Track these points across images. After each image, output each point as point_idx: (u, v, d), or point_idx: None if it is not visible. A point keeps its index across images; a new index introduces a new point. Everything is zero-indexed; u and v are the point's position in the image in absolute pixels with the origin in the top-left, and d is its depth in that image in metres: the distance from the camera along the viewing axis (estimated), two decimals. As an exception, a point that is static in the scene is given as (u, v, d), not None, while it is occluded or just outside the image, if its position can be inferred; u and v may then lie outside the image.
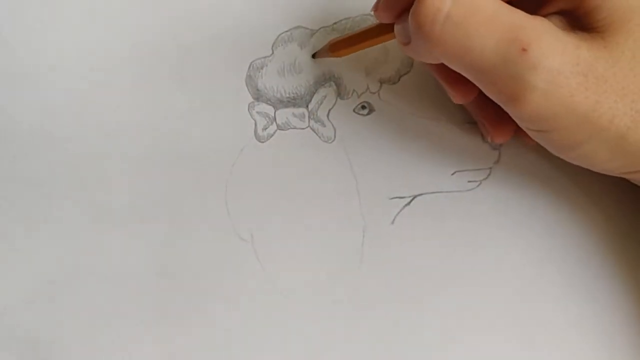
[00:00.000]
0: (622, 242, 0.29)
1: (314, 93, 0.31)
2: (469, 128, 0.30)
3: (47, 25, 0.31)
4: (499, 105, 0.24)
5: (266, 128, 0.31)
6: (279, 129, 0.31)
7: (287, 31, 0.31)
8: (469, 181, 0.30)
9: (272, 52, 0.31)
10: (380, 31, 0.27)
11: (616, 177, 0.27)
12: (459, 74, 0.24)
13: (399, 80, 0.31)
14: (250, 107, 0.31)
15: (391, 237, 0.30)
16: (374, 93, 0.31)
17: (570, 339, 0.29)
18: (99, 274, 0.29)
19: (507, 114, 0.24)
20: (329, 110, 0.31)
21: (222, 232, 0.30)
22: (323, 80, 0.31)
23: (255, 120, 0.31)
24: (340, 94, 0.31)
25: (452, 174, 0.30)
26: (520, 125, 0.25)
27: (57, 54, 0.30)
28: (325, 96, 0.31)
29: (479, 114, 0.29)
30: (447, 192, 0.30)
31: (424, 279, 0.29)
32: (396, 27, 0.25)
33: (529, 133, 0.25)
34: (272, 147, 0.30)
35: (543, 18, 0.23)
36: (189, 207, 0.30)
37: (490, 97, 0.24)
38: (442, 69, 0.25)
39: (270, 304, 0.29)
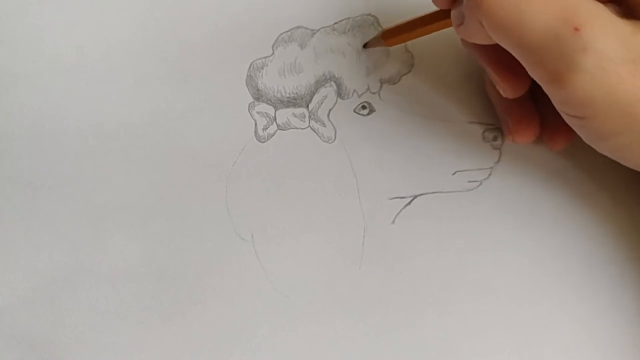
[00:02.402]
0: (624, 242, 0.29)
1: (314, 93, 0.31)
2: (470, 128, 0.30)
3: (47, 25, 0.31)
4: (525, 105, 0.24)
5: (266, 128, 0.31)
6: (279, 129, 0.31)
7: (287, 31, 0.31)
8: (470, 181, 0.30)
9: (273, 52, 0.31)
10: (435, 18, 0.27)
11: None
12: (510, 64, 0.24)
13: (399, 80, 0.31)
14: (251, 107, 0.31)
15: (391, 237, 0.29)
16: (374, 93, 0.31)
17: (572, 339, 0.29)
18: (99, 274, 0.29)
19: (532, 115, 0.24)
20: (330, 110, 0.31)
21: (222, 232, 0.30)
22: (323, 80, 0.31)
23: (255, 120, 0.31)
24: (340, 94, 0.31)
25: (453, 174, 0.30)
26: (558, 108, 0.24)
27: (57, 54, 0.30)
28: (325, 96, 0.31)
29: (505, 112, 0.29)
30: (447, 192, 0.30)
31: (424, 278, 0.29)
32: (453, 12, 0.25)
33: (565, 118, 0.24)
34: (273, 147, 0.30)
35: (598, 2, 0.22)
36: (189, 207, 0.30)
37: (533, 75, 0.23)
38: (494, 57, 0.25)
39: (270, 304, 0.29)
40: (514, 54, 0.23)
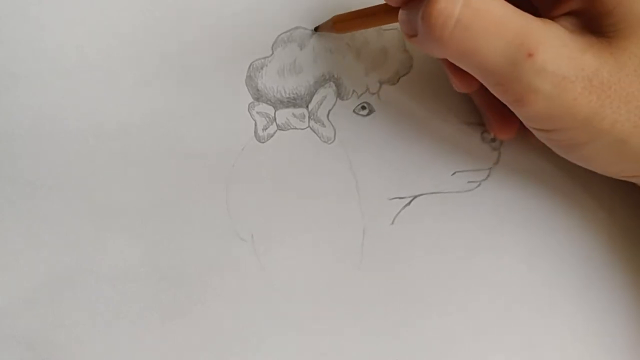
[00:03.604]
0: (624, 243, 0.29)
1: (314, 93, 0.31)
2: (469, 128, 0.30)
3: (47, 25, 0.31)
4: (503, 103, 0.24)
5: (266, 128, 0.31)
6: (279, 129, 0.31)
7: (286, 31, 0.31)
8: (469, 182, 0.30)
9: (272, 53, 0.31)
10: (386, 12, 0.27)
11: (614, 180, 0.27)
12: (501, 109, 0.25)
13: (398, 80, 0.31)
14: (250, 107, 0.31)
15: (391, 238, 0.30)
16: (373, 94, 0.31)
17: (570, 339, 0.29)
18: (99, 274, 0.29)
19: (511, 112, 0.25)
20: (329, 111, 0.31)
21: (222, 232, 0.30)
22: (323, 80, 0.31)
23: (255, 121, 0.31)
24: (340, 94, 0.31)
25: (452, 175, 0.30)
26: (526, 124, 0.25)
27: (57, 54, 0.30)
28: (325, 96, 0.31)
29: (485, 109, 0.29)
30: (446, 192, 0.30)
31: (423, 279, 0.29)
32: (401, 16, 0.25)
33: (534, 132, 0.25)
34: (272, 148, 0.30)
35: (551, 21, 0.23)
36: (189, 207, 0.30)
37: (497, 96, 0.24)
38: (486, 104, 0.26)
39: (270, 304, 0.29)
40: (475, 77, 0.24)
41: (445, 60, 0.27)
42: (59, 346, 0.29)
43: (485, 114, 0.29)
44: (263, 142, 0.30)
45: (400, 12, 0.25)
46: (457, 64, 0.24)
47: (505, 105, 0.25)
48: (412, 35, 0.25)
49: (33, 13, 0.30)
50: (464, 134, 0.30)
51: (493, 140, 0.30)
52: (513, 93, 0.23)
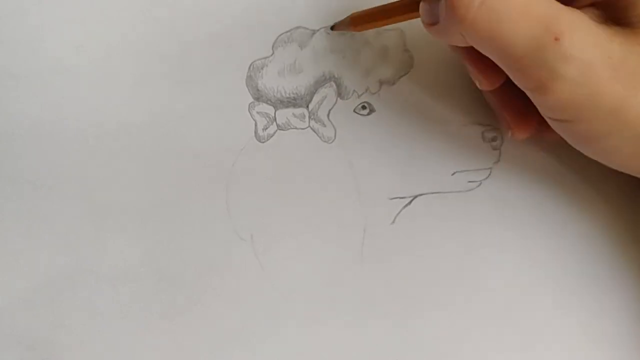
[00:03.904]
0: (626, 242, 0.29)
1: (314, 93, 0.31)
2: (469, 128, 0.30)
3: (47, 25, 0.31)
4: (522, 100, 0.24)
5: (266, 128, 0.31)
6: (279, 129, 0.31)
7: (287, 31, 0.31)
8: (469, 181, 0.30)
9: (272, 53, 0.31)
10: (405, 9, 0.27)
11: (619, 177, 0.27)
12: (487, 59, 0.24)
13: (398, 80, 0.31)
14: (251, 107, 0.31)
15: (391, 237, 0.30)
16: (374, 93, 0.31)
17: (572, 339, 0.29)
18: (99, 274, 0.29)
19: (529, 109, 0.24)
20: (329, 111, 0.31)
21: (222, 232, 0.30)
22: (323, 80, 0.31)
23: (255, 120, 0.31)
24: (340, 94, 0.31)
25: (453, 174, 0.30)
26: (543, 114, 0.25)
27: (56, 54, 0.30)
28: (325, 96, 0.31)
29: (502, 107, 0.29)
30: (447, 192, 0.30)
31: (424, 278, 0.29)
32: (422, 6, 0.25)
33: (552, 123, 0.25)
34: (273, 147, 0.30)
35: (578, 10, 0.23)
36: (189, 207, 0.30)
37: (518, 83, 0.24)
38: (471, 53, 0.25)
39: (270, 304, 0.29)
40: (497, 62, 0.24)
41: (467, 57, 0.26)
42: (59, 346, 0.29)
43: (501, 113, 0.29)
44: (263, 142, 0.30)
45: (422, 3, 0.25)
46: (479, 48, 0.23)
47: (523, 103, 0.24)
48: (434, 23, 0.24)
49: (33, 13, 0.31)
50: (464, 133, 0.30)
51: (494, 139, 0.30)
52: (536, 79, 0.22)
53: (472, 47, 0.24)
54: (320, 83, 0.31)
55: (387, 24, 0.28)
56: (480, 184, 0.30)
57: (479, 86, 0.27)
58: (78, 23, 0.31)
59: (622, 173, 0.26)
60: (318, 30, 0.31)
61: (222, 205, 0.30)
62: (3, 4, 0.30)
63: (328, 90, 0.31)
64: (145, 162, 0.30)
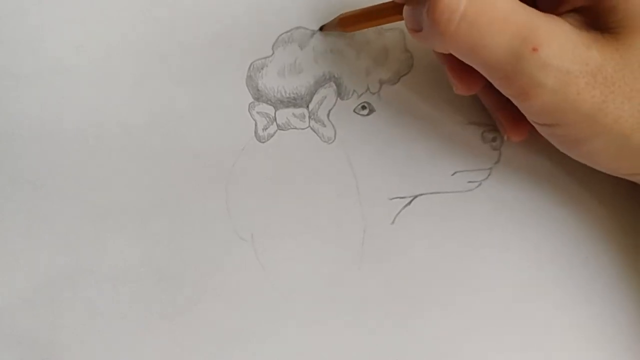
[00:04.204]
0: (624, 243, 0.29)
1: (314, 93, 0.31)
2: (469, 128, 0.30)
3: (47, 25, 0.31)
4: (514, 105, 0.24)
5: (266, 128, 0.31)
6: (279, 129, 0.31)
7: (287, 31, 0.31)
8: (469, 181, 0.30)
9: (273, 53, 0.31)
10: (392, 10, 0.27)
11: (617, 178, 0.27)
12: (465, 65, 0.24)
13: (399, 80, 0.31)
14: (251, 107, 0.31)
15: (391, 237, 0.30)
16: (374, 93, 0.31)
17: (571, 339, 0.29)
18: (99, 274, 0.29)
19: (522, 113, 0.25)
20: (329, 111, 0.31)
21: (222, 232, 0.30)
22: (323, 80, 0.31)
23: (255, 121, 0.31)
24: (340, 94, 0.31)
25: (452, 174, 0.30)
26: (529, 119, 0.25)
27: (57, 54, 0.30)
28: (325, 96, 0.31)
29: (495, 110, 0.29)
30: (447, 192, 0.30)
31: (424, 279, 0.29)
32: (406, 11, 0.26)
33: (537, 127, 0.25)
34: (273, 147, 0.30)
35: (557, 17, 0.23)
36: (189, 207, 0.30)
37: (501, 91, 0.24)
38: (450, 58, 0.26)
39: (270, 304, 0.29)
40: (479, 71, 0.24)
41: (446, 62, 0.27)
42: (59, 346, 0.29)
43: (496, 116, 0.29)
44: (263, 142, 0.30)
45: (405, 7, 0.25)
46: (462, 59, 0.24)
47: (516, 107, 0.25)
48: (417, 30, 0.25)
49: (33, 13, 0.31)
50: (464, 133, 0.30)
51: (494, 140, 0.30)
52: (517, 87, 0.23)
53: (499, 98, 0.25)
54: (320, 83, 0.31)
55: (374, 25, 0.29)
56: (480, 184, 0.30)
57: (455, 91, 0.27)
58: (78, 23, 0.31)
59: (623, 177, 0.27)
60: (318, 30, 0.31)
61: (222, 205, 0.30)
62: (3, 4, 0.30)
63: (328, 91, 0.31)
64: (145, 162, 0.30)
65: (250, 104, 0.31)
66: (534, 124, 0.25)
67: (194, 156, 0.30)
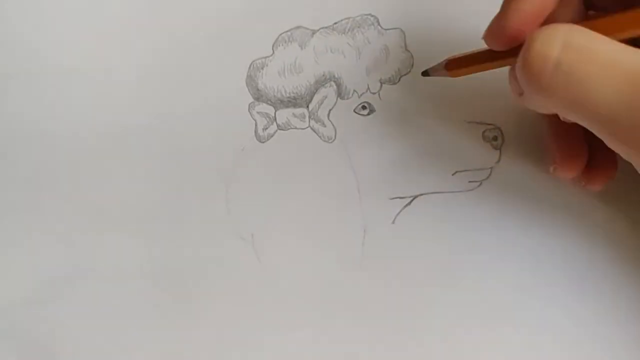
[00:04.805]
0: (626, 243, 0.29)
1: (315, 93, 0.31)
2: (470, 128, 0.30)
3: (47, 25, 0.31)
4: (576, 141, 0.23)
5: (266, 128, 0.31)
6: (280, 129, 0.31)
7: (287, 31, 0.31)
8: (470, 181, 0.30)
9: (273, 52, 0.31)
10: (498, 55, 0.25)
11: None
12: (570, 143, 0.23)
13: (399, 80, 0.31)
14: (251, 107, 0.31)
15: (391, 237, 0.29)
16: (374, 93, 0.31)
17: (573, 339, 0.29)
18: (98, 274, 0.29)
19: (581, 152, 0.23)
20: (330, 111, 0.31)
21: (222, 232, 0.30)
22: (323, 80, 0.31)
23: (255, 120, 0.31)
24: (340, 94, 0.31)
25: (453, 174, 0.30)
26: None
27: (56, 54, 0.30)
28: (325, 96, 0.31)
29: (554, 143, 0.27)
30: (447, 192, 0.30)
31: (424, 279, 0.29)
32: (510, 74, 0.24)
33: None
34: (273, 147, 0.30)
35: None
36: (189, 206, 0.30)
37: (613, 148, 0.21)
38: (556, 134, 0.24)
39: (270, 304, 0.29)
40: (587, 127, 0.21)
41: (553, 137, 0.25)
42: (59, 346, 0.29)
43: (551, 147, 0.28)
44: (263, 142, 0.30)
45: (510, 70, 0.24)
46: (564, 115, 0.22)
47: (578, 144, 0.23)
48: (520, 93, 0.23)
49: (33, 13, 0.31)
50: (465, 133, 0.30)
51: (494, 139, 0.30)
52: (633, 142, 0.20)
53: (559, 127, 0.23)
54: (320, 83, 0.31)
55: (483, 70, 0.26)
56: (480, 184, 0.30)
57: (551, 174, 0.26)
58: (78, 23, 0.31)
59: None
60: (318, 30, 0.31)
61: (222, 205, 0.30)
62: (3, 4, 0.30)
63: (328, 90, 0.31)
64: (145, 162, 0.30)
65: (250, 104, 0.31)
66: None
67: (194, 156, 0.30)
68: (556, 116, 0.24)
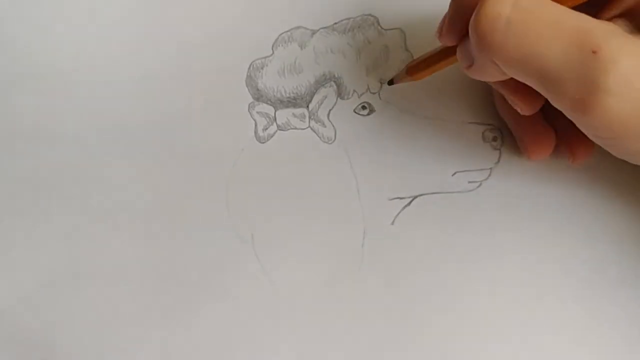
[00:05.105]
0: (626, 242, 0.29)
1: (314, 93, 0.31)
2: (469, 128, 0.30)
3: (47, 25, 0.31)
4: (539, 122, 0.23)
5: (266, 128, 0.31)
6: (279, 129, 0.31)
7: (287, 31, 0.31)
8: (470, 182, 0.30)
9: (273, 52, 0.31)
10: (447, 53, 0.26)
11: (620, 176, 0.27)
12: (535, 127, 0.24)
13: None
14: (251, 107, 0.31)
15: (391, 238, 0.29)
16: (374, 93, 0.31)
17: (574, 340, 0.29)
18: (99, 274, 0.29)
19: (547, 132, 0.24)
20: (329, 111, 0.31)
21: (222, 232, 0.30)
22: (323, 80, 0.31)
23: (255, 121, 0.31)
24: (340, 94, 0.31)
25: (453, 175, 0.30)
26: (587, 133, 0.23)
27: (57, 54, 0.30)
28: (325, 96, 0.31)
29: (518, 129, 0.28)
30: (447, 192, 0.30)
31: (424, 279, 0.29)
32: (458, 50, 0.25)
33: (595, 140, 0.24)
34: (273, 148, 0.30)
35: (607, 21, 0.22)
36: (189, 207, 0.30)
37: (557, 105, 0.23)
38: (509, 82, 0.25)
39: (270, 304, 0.29)
40: (533, 86, 0.23)
41: (506, 86, 0.26)
42: (59, 346, 0.29)
43: (518, 135, 0.29)
44: (263, 142, 0.30)
45: (458, 48, 0.25)
46: (512, 74, 0.23)
47: (539, 125, 0.23)
48: (470, 65, 0.24)
49: (33, 13, 0.31)
50: (464, 133, 0.30)
51: (494, 139, 0.30)
52: (578, 97, 0.21)
53: (521, 117, 0.24)
54: (320, 83, 0.31)
55: (442, 68, 0.27)
56: (480, 184, 0.30)
57: (520, 112, 0.26)
58: (78, 23, 0.31)
59: (624, 172, 0.26)
60: (318, 30, 0.31)
61: (222, 205, 0.30)
62: (3, 4, 0.30)
63: (328, 90, 0.31)
64: (145, 162, 0.30)
65: (250, 104, 0.31)
66: (595, 139, 0.24)
67: (194, 156, 0.30)
68: (516, 112, 0.25)
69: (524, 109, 0.26)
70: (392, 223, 0.30)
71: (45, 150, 0.30)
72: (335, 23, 0.31)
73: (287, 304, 0.29)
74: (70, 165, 0.30)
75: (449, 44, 0.25)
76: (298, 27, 0.31)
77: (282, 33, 0.31)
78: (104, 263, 0.29)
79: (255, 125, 0.30)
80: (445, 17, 0.25)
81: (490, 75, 0.24)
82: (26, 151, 0.30)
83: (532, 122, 0.27)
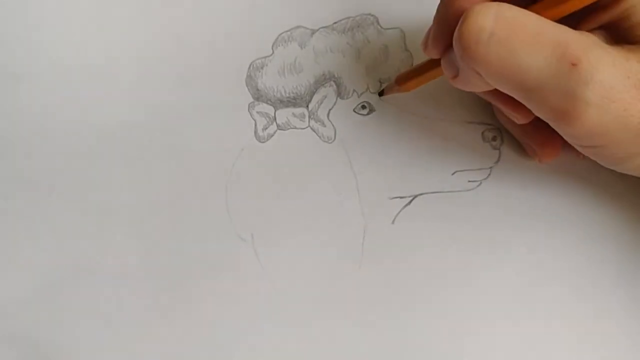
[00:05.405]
0: (624, 241, 0.29)
1: (314, 93, 0.31)
2: (469, 127, 0.30)
3: (47, 25, 0.31)
4: (544, 125, 0.24)
5: (266, 128, 0.31)
6: (279, 129, 0.31)
7: (287, 31, 0.31)
8: (470, 181, 0.30)
9: (272, 52, 0.31)
10: (434, 65, 0.27)
11: (617, 178, 0.27)
12: (540, 132, 0.24)
13: (399, 80, 0.31)
14: (251, 107, 0.31)
15: (391, 237, 0.29)
16: (374, 93, 0.31)
17: (572, 338, 0.29)
18: (99, 274, 0.29)
19: (552, 132, 0.24)
20: (329, 110, 0.31)
21: (222, 232, 0.30)
22: (323, 80, 0.31)
23: (255, 120, 0.31)
24: (340, 93, 0.31)
25: (453, 174, 0.30)
26: (571, 142, 0.24)
27: (56, 54, 0.30)
28: (325, 96, 0.31)
29: (524, 136, 0.29)
30: (447, 192, 0.30)
31: (424, 279, 0.29)
32: (443, 61, 0.25)
33: (579, 149, 0.24)
34: (272, 147, 0.30)
35: (587, 32, 0.23)
36: (189, 207, 0.30)
37: (540, 115, 0.23)
38: (499, 93, 0.25)
39: (270, 304, 0.29)
40: (516, 97, 0.23)
41: (497, 96, 0.26)
42: (59, 346, 0.29)
43: (524, 141, 0.29)
44: (263, 142, 0.30)
45: (442, 59, 0.25)
46: (496, 85, 0.23)
47: (544, 128, 0.24)
48: (455, 75, 0.24)
49: (33, 13, 0.31)
50: (464, 133, 0.30)
51: (494, 139, 0.30)
52: (559, 109, 0.22)
53: (524, 125, 0.24)
54: (320, 82, 0.31)
55: (431, 78, 0.28)
56: (480, 183, 0.30)
57: (517, 122, 0.26)
58: (78, 23, 0.31)
59: (622, 173, 0.26)
60: (318, 29, 0.31)
61: (222, 205, 0.30)
62: (3, 4, 0.30)
63: (328, 90, 0.31)
64: (145, 162, 0.30)
65: (250, 103, 0.31)
66: (578, 147, 0.24)
67: (193, 156, 0.30)
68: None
69: (519, 119, 0.26)
70: (392, 222, 0.30)
71: (45, 150, 0.30)
72: (335, 23, 0.31)
73: (286, 303, 0.29)
74: (70, 164, 0.30)
75: (434, 56, 0.26)
76: (298, 27, 0.31)
77: (282, 33, 0.31)
78: (104, 263, 0.29)
79: (255, 124, 0.31)
80: (429, 30, 0.25)
81: (475, 86, 0.24)
82: (26, 151, 0.30)
83: (534, 128, 0.27)
